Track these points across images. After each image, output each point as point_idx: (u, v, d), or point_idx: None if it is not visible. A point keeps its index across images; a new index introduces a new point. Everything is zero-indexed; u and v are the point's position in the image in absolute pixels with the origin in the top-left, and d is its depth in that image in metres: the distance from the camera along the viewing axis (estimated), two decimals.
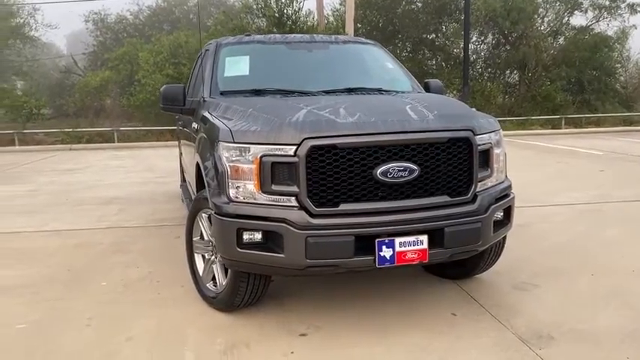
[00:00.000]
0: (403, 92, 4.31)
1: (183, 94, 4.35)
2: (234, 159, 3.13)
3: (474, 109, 4.21)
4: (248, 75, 4.42)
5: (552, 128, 21.10)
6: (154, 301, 3.86)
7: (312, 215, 3.01)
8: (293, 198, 3.03)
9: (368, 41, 5.18)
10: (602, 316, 3.48)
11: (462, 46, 21.36)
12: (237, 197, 3.14)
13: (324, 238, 3.01)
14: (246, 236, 3.11)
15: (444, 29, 25.93)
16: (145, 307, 3.76)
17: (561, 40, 24.63)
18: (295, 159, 2.99)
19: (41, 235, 5.84)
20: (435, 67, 25.80)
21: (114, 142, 18.38)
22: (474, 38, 24.38)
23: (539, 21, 24.12)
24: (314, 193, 3.02)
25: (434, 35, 25.47)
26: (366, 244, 3.04)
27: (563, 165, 10.89)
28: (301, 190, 3.00)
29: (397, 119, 3.22)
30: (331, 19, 23.57)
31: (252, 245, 3.11)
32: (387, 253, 3.06)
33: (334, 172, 3.02)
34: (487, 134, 3.42)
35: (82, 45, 31.95)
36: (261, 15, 20.34)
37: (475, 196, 3.28)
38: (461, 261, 4.01)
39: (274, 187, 3.06)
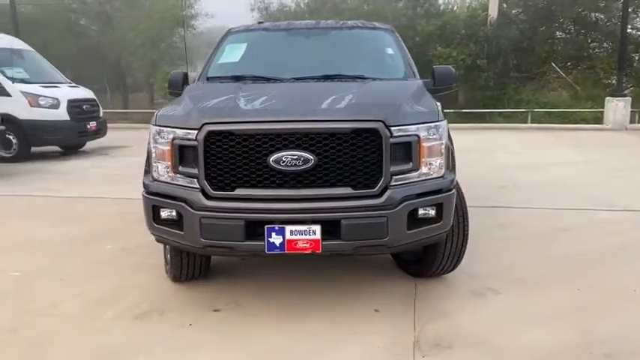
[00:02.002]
0: (382, 79, 4.17)
1: (182, 80, 4.68)
2: (156, 141, 3.38)
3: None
4: (237, 62, 4.62)
5: None
6: (132, 266, 4.31)
7: (208, 197, 3.16)
8: (195, 180, 3.20)
9: (380, 26, 5.04)
10: (535, 334, 3.11)
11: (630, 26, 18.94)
12: (158, 177, 3.39)
13: (216, 220, 3.14)
14: (163, 213, 3.36)
15: (612, 8, 23.07)
16: (120, 270, 4.23)
17: None
18: (195, 143, 3.16)
19: (102, 202, 6.72)
20: (599, 51, 23.16)
21: None
22: None
23: None
24: (212, 176, 3.16)
25: (598, 15, 22.79)
26: (257, 229, 3.11)
27: None
28: (200, 173, 3.16)
29: (302, 108, 3.21)
30: None
31: (164, 222, 3.35)
32: (276, 240, 3.09)
33: (230, 157, 3.13)
34: (411, 126, 3.21)
35: None
36: None
37: (384, 190, 3.14)
38: (418, 259, 3.89)
39: (181, 169, 3.26)
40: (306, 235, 3.09)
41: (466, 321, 3.30)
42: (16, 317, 3.42)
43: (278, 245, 3.10)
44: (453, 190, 3.41)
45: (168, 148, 3.29)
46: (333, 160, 3.10)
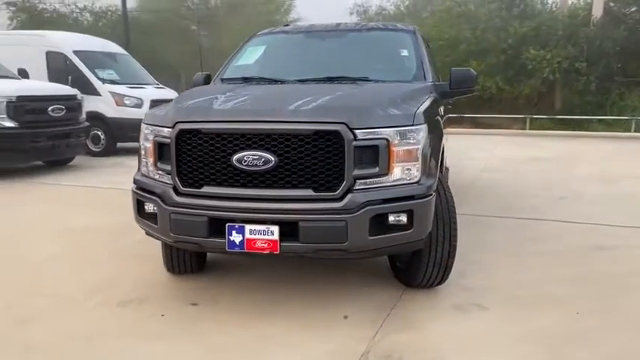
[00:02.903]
0: (384, 82, 4.09)
1: (204, 81, 4.87)
2: (144, 138, 3.56)
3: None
4: (251, 64, 4.72)
5: None
6: (142, 256, 4.51)
7: (178, 194, 3.28)
8: (169, 176, 3.33)
9: (402, 27, 4.89)
10: (497, 356, 2.89)
11: None
12: (145, 173, 3.57)
13: (183, 216, 3.24)
14: (146, 207, 3.52)
15: None
16: (130, 259, 4.47)
17: None
18: (169, 140, 3.28)
19: None
20: None
21: None
22: None
23: None
24: (183, 173, 3.27)
25: None
26: (220, 227, 3.17)
27: None
28: (172, 170, 3.29)
29: (269, 109, 3.24)
30: None
31: (147, 215, 3.50)
32: (236, 238, 3.13)
33: (199, 155, 3.22)
34: (379, 129, 3.11)
35: None
36: None
37: (346, 194, 3.07)
38: (404, 269, 3.77)
39: (159, 166, 3.40)
40: (264, 235, 3.10)
41: (432, 335, 3.14)
42: (15, 296, 3.74)
43: (238, 244, 3.14)
44: (430, 198, 3.25)
45: (151, 145, 3.45)
46: (295, 161, 3.08)
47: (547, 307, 3.51)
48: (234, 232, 3.14)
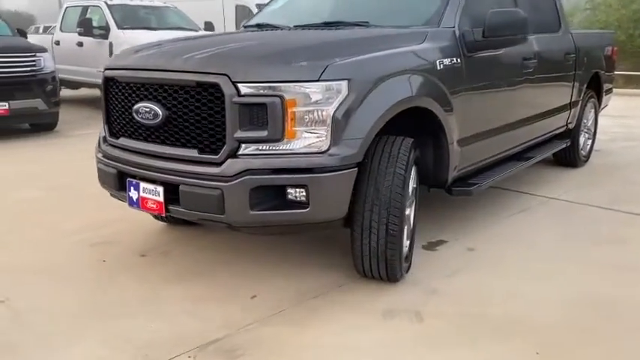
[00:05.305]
0: (378, 27, 3.47)
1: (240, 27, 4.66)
2: None
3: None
4: (276, 9, 4.35)
5: None
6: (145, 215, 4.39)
7: (105, 143, 3.23)
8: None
9: None
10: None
11: None
12: None
13: (103, 166, 3.21)
14: None
15: None
16: (128, 216, 4.12)
17: None
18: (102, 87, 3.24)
19: None
20: None
21: None
22: None
23: None
24: (109, 122, 3.20)
25: None
26: (125, 181, 3.04)
27: None
28: (103, 118, 3.24)
29: (167, 58, 2.94)
30: None
31: None
32: (134, 195, 2.97)
33: (115, 104, 3.11)
34: (270, 83, 2.56)
35: None
36: None
37: (227, 158, 2.63)
38: None
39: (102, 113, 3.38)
40: (152, 195, 2.89)
41: (311, 338, 2.57)
42: (22, 224, 4.14)
43: (135, 201, 2.98)
44: (340, 173, 2.64)
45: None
46: (180, 117, 2.77)
47: (505, 337, 2.59)
48: (132, 188, 2.98)
